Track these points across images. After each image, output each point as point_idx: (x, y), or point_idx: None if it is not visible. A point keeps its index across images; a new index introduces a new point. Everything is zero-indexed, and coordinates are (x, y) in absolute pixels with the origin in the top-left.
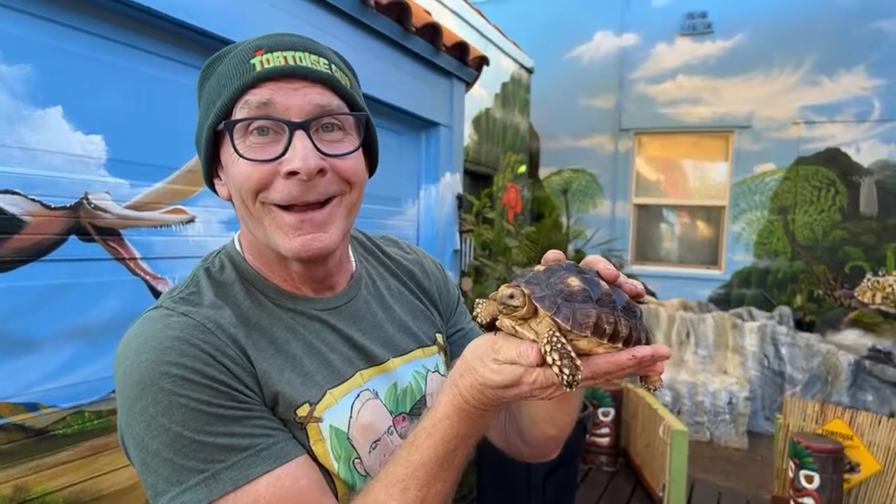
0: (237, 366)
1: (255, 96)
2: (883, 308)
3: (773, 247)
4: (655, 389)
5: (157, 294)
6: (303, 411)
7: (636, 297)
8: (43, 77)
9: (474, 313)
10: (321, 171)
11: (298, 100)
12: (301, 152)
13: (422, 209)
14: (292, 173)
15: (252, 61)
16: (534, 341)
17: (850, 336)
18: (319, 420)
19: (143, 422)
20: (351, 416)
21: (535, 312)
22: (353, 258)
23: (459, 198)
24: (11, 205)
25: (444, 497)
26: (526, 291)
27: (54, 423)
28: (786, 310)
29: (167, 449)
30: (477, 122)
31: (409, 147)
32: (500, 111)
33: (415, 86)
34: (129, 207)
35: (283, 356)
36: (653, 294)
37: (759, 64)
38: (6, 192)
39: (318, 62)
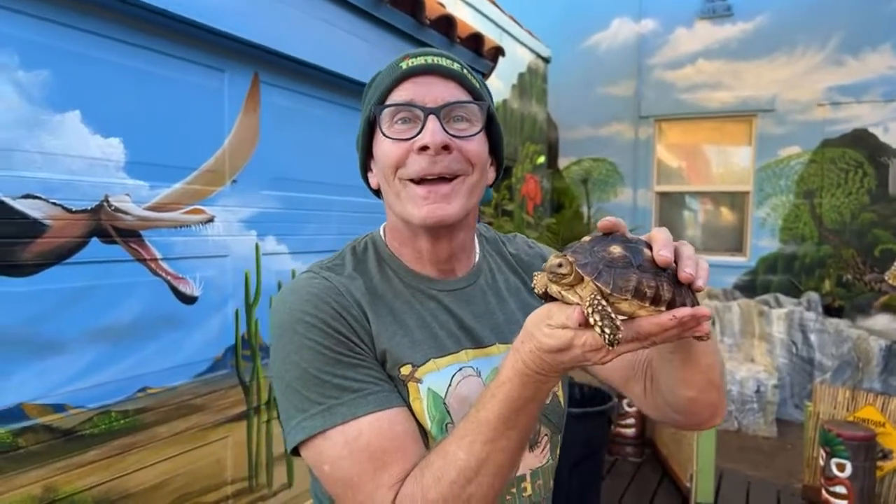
0: (357, 324)
1: (401, 91)
2: None
3: (799, 231)
4: (708, 339)
5: (178, 294)
6: (405, 370)
7: (691, 286)
8: (60, 82)
9: (532, 284)
10: (447, 148)
11: (433, 91)
12: (430, 130)
13: None
14: (423, 148)
15: (401, 64)
16: (578, 304)
17: (881, 321)
18: (419, 381)
19: (281, 357)
20: (450, 385)
21: (581, 279)
22: (477, 251)
23: None
24: (33, 209)
25: (510, 454)
26: (570, 259)
27: (81, 423)
28: (814, 295)
29: (296, 381)
30: None
31: None
32: (517, 102)
33: None
34: (148, 209)
35: (398, 324)
36: None
37: (782, 45)
38: (28, 196)
39: (452, 64)
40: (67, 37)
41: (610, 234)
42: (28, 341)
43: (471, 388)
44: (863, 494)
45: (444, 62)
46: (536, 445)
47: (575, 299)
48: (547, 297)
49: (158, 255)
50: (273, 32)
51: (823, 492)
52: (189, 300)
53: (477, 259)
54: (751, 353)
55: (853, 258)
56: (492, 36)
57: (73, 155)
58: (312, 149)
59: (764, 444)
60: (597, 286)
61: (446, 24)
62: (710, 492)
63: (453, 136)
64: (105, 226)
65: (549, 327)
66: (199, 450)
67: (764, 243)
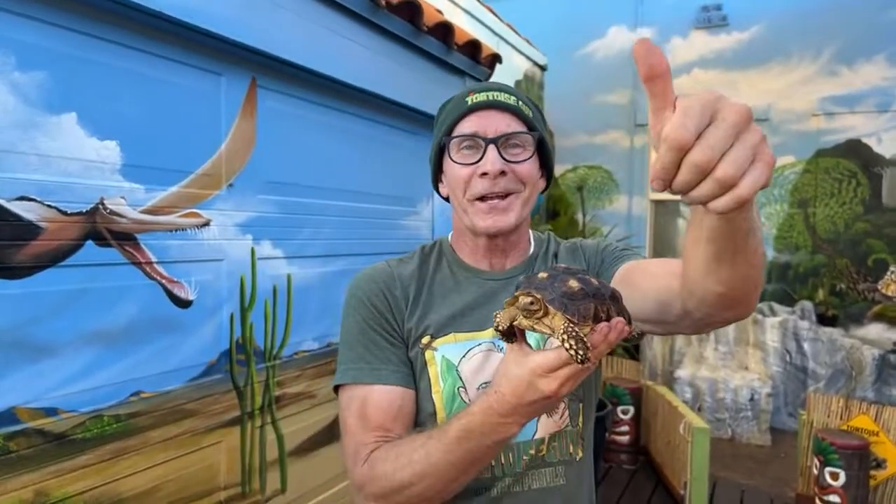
0: (395, 303)
1: (466, 122)
2: None
3: (793, 240)
4: (640, 335)
5: (173, 297)
6: (425, 340)
7: (619, 301)
8: (57, 84)
9: (494, 324)
10: (503, 173)
11: (493, 124)
12: (490, 159)
13: (436, 209)
14: (484, 174)
15: (466, 99)
16: (551, 333)
17: (875, 330)
18: (435, 349)
19: (342, 320)
20: (464, 357)
21: (547, 312)
22: (532, 250)
23: None
24: (28, 211)
25: (459, 471)
26: (539, 297)
27: (73, 427)
28: (808, 304)
29: (346, 339)
30: None
31: (423, 147)
32: None
33: (427, 85)
34: (144, 212)
35: (434, 303)
36: None
37: (777, 56)
38: (23, 198)
39: (510, 98)
40: (64, 39)
41: (563, 269)
42: (21, 344)
43: (488, 361)
44: (856, 503)
45: (503, 97)
46: (555, 412)
47: (546, 330)
48: (506, 333)
49: (154, 259)
50: (271, 37)
51: (817, 500)
52: (184, 304)
53: (529, 254)
54: (745, 361)
55: (847, 268)
56: (489, 43)
57: (68, 157)
58: (309, 153)
59: (758, 453)
60: (566, 317)
61: (444, 30)
62: (704, 499)
63: (508, 160)
64: (100, 229)
65: (549, 378)
66: (192, 455)
67: None
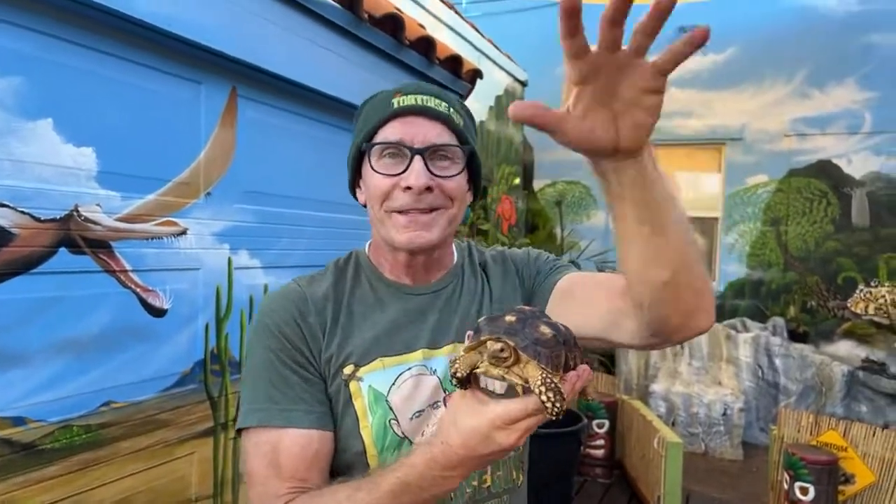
0: (310, 331)
1: (391, 128)
2: (876, 319)
3: (766, 258)
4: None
5: (147, 307)
6: (348, 370)
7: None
8: (33, 89)
9: (452, 370)
10: (429, 188)
11: (421, 132)
12: (416, 172)
13: None
14: (408, 188)
15: (392, 101)
16: (524, 385)
17: (844, 347)
18: (360, 379)
19: (246, 351)
20: (393, 384)
21: (518, 359)
22: (455, 260)
23: None
24: (1, 217)
25: None
26: (511, 344)
27: (42, 437)
28: (779, 321)
29: (252, 374)
30: None
31: None
32: (494, 124)
33: None
34: (119, 220)
35: (361, 325)
36: None
37: (751, 77)
38: None
39: (440, 105)
40: (41, 44)
41: (529, 311)
42: None
43: (420, 387)
44: None
45: (433, 103)
46: None
47: (516, 380)
48: (464, 381)
49: (128, 267)
50: (252, 47)
51: None
52: (158, 313)
53: (454, 264)
54: (718, 376)
55: (817, 285)
56: (470, 58)
57: (43, 163)
58: (288, 164)
59: (730, 467)
60: (540, 367)
61: (426, 45)
62: None
63: (436, 174)
64: (74, 236)
65: (508, 431)
66: (164, 466)
67: (732, 269)
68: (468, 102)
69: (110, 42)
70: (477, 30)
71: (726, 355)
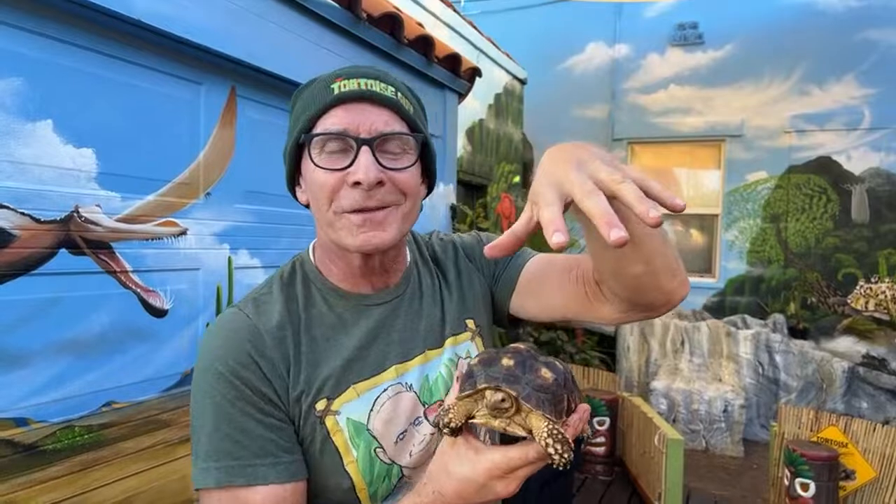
0: (272, 369)
1: (332, 117)
2: (876, 315)
3: (766, 255)
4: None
5: (148, 307)
6: (321, 405)
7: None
8: (33, 91)
9: (445, 420)
10: (380, 183)
11: (367, 120)
12: (364, 165)
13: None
14: (356, 183)
15: (332, 86)
16: (528, 436)
17: (844, 343)
18: (336, 413)
19: (193, 398)
20: (371, 410)
21: (519, 409)
22: (408, 258)
23: (453, 208)
24: (1, 219)
25: None
26: (513, 394)
27: (44, 438)
28: (780, 317)
29: (199, 427)
30: (470, 132)
31: None
32: (493, 122)
33: None
34: (120, 220)
35: (325, 351)
36: None
37: (750, 73)
38: None
39: (387, 89)
40: (41, 46)
41: (525, 351)
42: None
43: (397, 406)
44: None
45: (379, 87)
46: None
47: (519, 431)
48: (456, 431)
49: (129, 268)
50: (251, 47)
51: None
52: (159, 313)
53: (407, 264)
54: (719, 372)
55: (817, 281)
56: (469, 57)
57: (43, 165)
58: None
59: (731, 464)
60: (546, 417)
61: (424, 44)
62: None
63: (386, 167)
64: (74, 237)
65: (508, 480)
66: (165, 466)
67: (732, 265)
68: (467, 101)
69: (110, 43)
70: (476, 28)
71: (727, 352)
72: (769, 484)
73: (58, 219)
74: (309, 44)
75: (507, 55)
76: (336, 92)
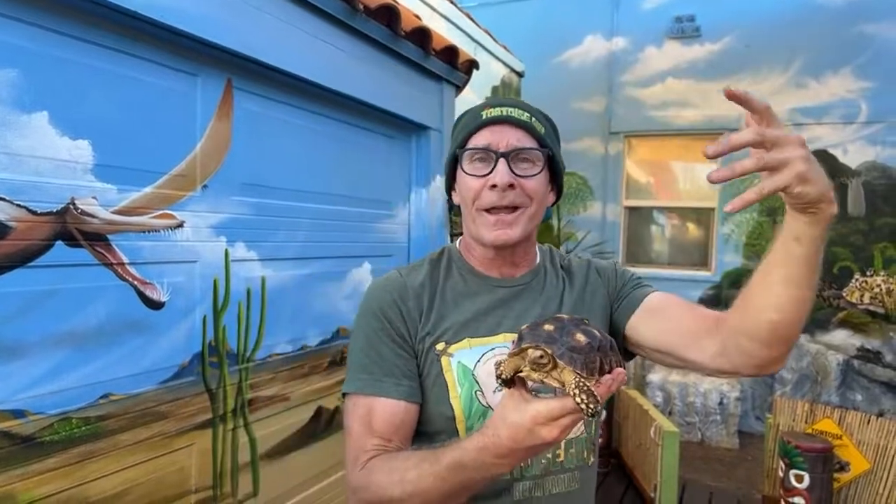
0: (408, 313)
1: (480, 136)
2: (871, 308)
3: (762, 248)
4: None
5: (145, 299)
6: (440, 346)
7: (613, 348)
8: (29, 82)
9: (497, 372)
10: (511, 186)
11: (505, 138)
12: (500, 171)
13: (412, 212)
14: (493, 186)
15: (482, 112)
16: (561, 388)
17: (839, 336)
18: (451, 355)
19: (353, 328)
20: (479, 361)
21: (555, 365)
22: (538, 260)
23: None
24: None
25: (444, 494)
26: (549, 351)
27: (41, 429)
28: None
29: (356, 348)
30: None
31: (399, 151)
32: None
33: (405, 90)
34: (116, 212)
35: (453, 310)
36: None
37: (747, 66)
38: None
39: (523, 115)
40: (37, 37)
41: (567, 319)
42: None
43: None
44: None
45: (516, 113)
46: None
47: (554, 383)
48: (509, 382)
49: (125, 260)
50: (247, 39)
51: (782, 502)
52: (156, 305)
53: (537, 263)
54: None
55: None
56: (466, 49)
57: (39, 156)
58: (285, 156)
59: (726, 456)
60: (575, 372)
61: (421, 36)
62: (674, 502)
63: (518, 174)
64: (71, 229)
65: (551, 426)
66: (163, 458)
67: (728, 258)
68: (465, 93)
69: (106, 34)
70: (473, 20)
71: None
72: (764, 475)
73: (54, 211)
74: (306, 35)
75: (505, 48)
76: (484, 117)
